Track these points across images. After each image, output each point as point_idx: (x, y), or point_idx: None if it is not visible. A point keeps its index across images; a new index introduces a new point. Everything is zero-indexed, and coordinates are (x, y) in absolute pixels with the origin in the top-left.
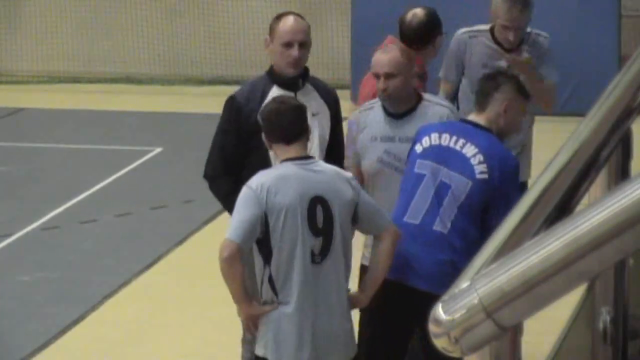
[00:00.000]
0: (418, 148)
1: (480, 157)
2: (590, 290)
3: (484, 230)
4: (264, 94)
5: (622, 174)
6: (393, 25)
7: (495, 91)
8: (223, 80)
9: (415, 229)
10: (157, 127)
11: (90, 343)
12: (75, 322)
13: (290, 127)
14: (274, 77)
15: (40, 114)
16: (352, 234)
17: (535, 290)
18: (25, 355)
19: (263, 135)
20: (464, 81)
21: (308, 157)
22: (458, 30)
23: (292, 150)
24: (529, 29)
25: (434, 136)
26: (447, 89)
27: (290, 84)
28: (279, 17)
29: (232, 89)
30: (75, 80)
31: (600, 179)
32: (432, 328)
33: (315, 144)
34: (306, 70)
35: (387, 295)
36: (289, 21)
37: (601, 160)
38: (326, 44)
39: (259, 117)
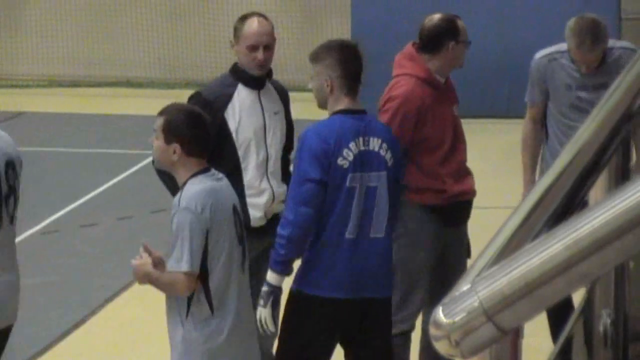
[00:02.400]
0: (342, 163)
1: (385, 146)
2: (590, 292)
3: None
4: (231, 94)
5: (622, 177)
6: (392, 28)
7: (361, 72)
8: None
9: (355, 243)
10: None
11: (91, 347)
12: (76, 325)
13: (210, 138)
14: (238, 75)
15: (41, 118)
16: None
17: (536, 293)
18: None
19: (178, 148)
20: (551, 105)
21: (208, 168)
22: (536, 54)
23: (202, 162)
24: (610, 44)
25: (352, 146)
26: (533, 112)
27: (254, 82)
28: (243, 19)
29: None
30: (76, 84)
31: (601, 182)
32: (432, 331)
33: (277, 142)
34: (269, 69)
35: (336, 313)
36: (253, 24)
37: (602, 163)
38: None
39: (178, 129)
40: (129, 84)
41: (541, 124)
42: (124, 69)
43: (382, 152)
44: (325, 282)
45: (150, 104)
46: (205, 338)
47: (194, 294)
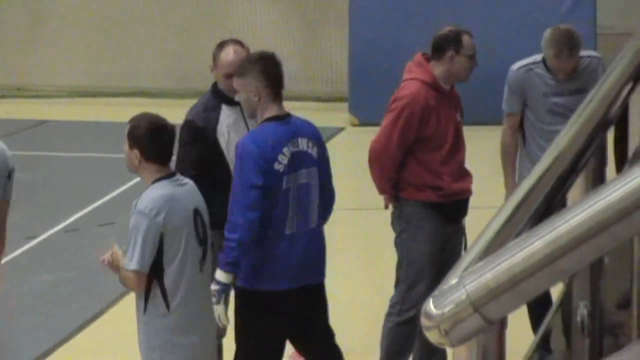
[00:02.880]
0: (279, 167)
1: (311, 143)
2: (569, 286)
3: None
4: (217, 116)
5: (598, 179)
6: (389, 41)
7: (283, 78)
8: None
9: (295, 237)
10: None
11: (108, 337)
12: (95, 317)
13: (171, 147)
14: (220, 96)
15: (63, 126)
16: None
17: (520, 286)
18: (46, 349)
19: (138, 153)
20: (529, 112)
21: (173, 173)
22: (513, 66)
23: (165, 168)
24: (580, 53)
25: (285, 150)
26: (511, 121)
27: (237, 101)
28: (221, 47)
29: None
30: (95, 94)
31: (579, 184)
32: (423, 321)
33: None
34: None
35: (286, 304)
36: (229, 54)
37: (579, 166)
38: (325, 59)
39: (138, 137)
40: (143, 94)
41: (518, 130)
42: (138, 80)
43: (310, 150)
44: (272, 277)
45: (162, 113)
46: (161, 333)
47: (150, 291)
